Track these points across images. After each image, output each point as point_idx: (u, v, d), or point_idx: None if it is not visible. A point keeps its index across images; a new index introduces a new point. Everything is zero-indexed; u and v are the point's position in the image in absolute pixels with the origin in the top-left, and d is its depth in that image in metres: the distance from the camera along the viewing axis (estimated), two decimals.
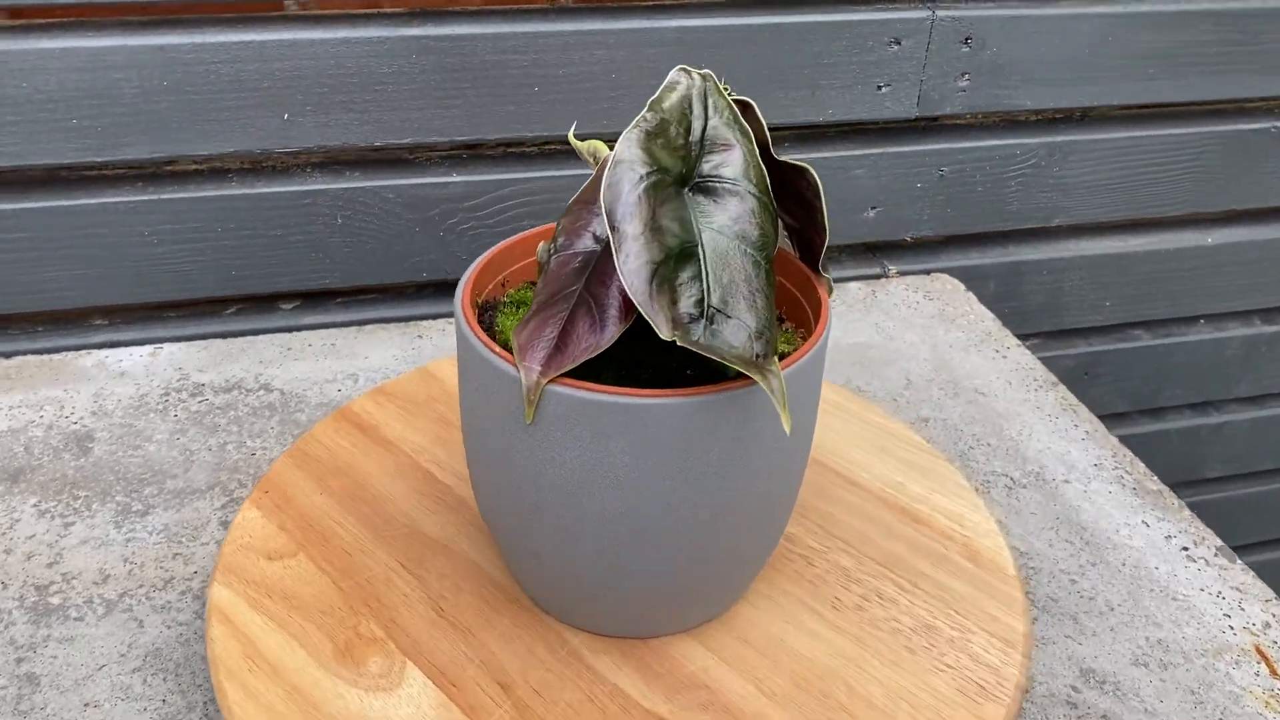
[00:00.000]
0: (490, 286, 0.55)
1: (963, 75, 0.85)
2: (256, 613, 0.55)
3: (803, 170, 0.50)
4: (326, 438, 0.66)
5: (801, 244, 0.54)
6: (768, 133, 0.50)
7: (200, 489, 0.67)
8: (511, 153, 0.80)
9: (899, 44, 0.82)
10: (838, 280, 0.91)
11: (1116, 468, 0.73)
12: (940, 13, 0.82)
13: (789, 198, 0.52)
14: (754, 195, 0.48)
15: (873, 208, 0.89)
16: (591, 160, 0.54)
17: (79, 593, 0.59)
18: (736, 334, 0.45)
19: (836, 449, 0.67)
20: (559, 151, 0.81)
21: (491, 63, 0.76)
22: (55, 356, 0.77)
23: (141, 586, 0.59)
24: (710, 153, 0.48)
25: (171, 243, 0.76)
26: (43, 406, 0.73)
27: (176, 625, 0.57)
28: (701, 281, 0.46)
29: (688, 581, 0.51)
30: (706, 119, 0.48)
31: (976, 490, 0.69)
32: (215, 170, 0.76)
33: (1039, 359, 0.98)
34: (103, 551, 0.62)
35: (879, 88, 0.84)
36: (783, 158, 0.50)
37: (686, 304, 0.45)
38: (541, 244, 0.50)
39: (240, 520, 0.60)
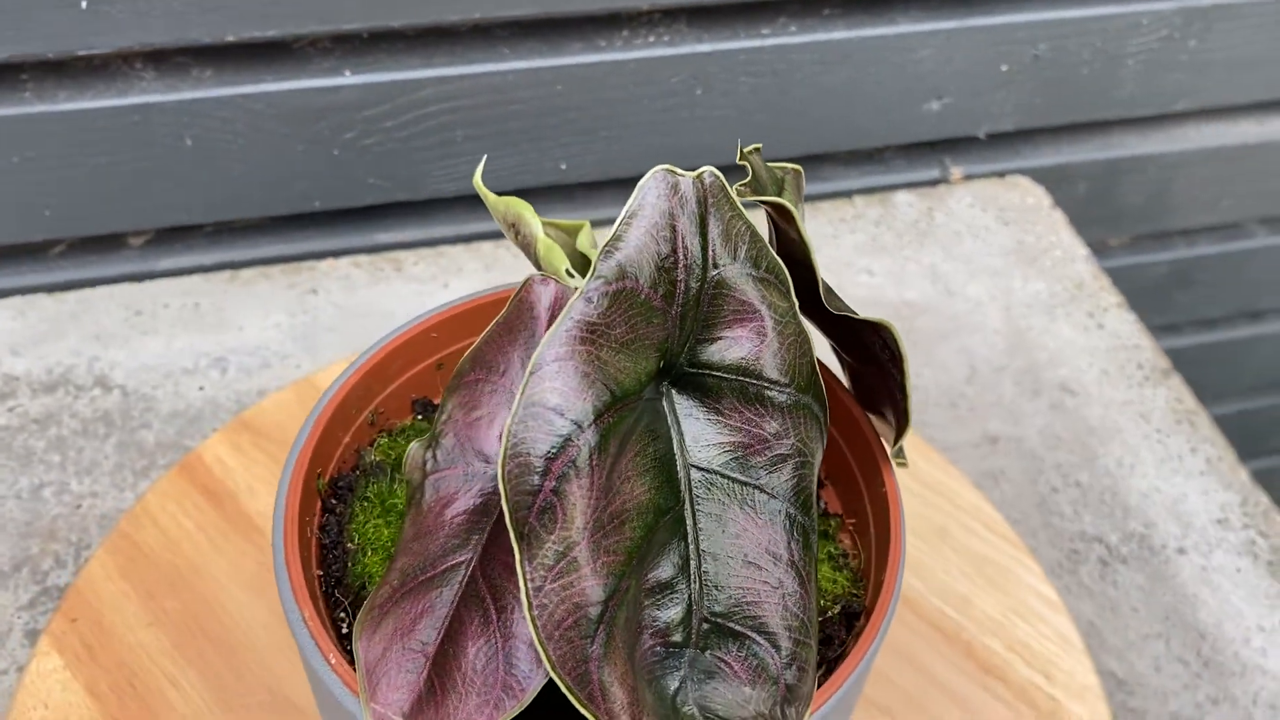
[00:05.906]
0: (353, 430, 0.34)
1: None
2: None
3: (877, 328, 0.28)
4: (164, 512, 0.47)
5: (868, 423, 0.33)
6: (812, 250, 0.28)
7: (3, 569, 0.49)
8: (426, 38, 0.56)
9: None
10: (883, 189, 0.69)
11: (1247, 525, 0.54)
12: None
13: (852, 351, 0.31)
14: (794, 400, 0.27)
15: (939, 98, 0.65)
16: (513, 235, 0.32)
17: None
18: (754, 672, 0.26)
19: None
20: (497, 33, 0.56)
21: None
22: None
23: None
24: (712, 324, 0.27)
25: None
26: None
27: None
28: (687, 577, 0.26)
29: None
30: (706, 264, 0.26)
31: (1061, 567, 0.50)
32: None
33: (1131, 262, 0.77)
34: None
35: None
36: (846, 311, 0.28)
37: (657, 631, 0.25)
38: (414, 445, 0.29)
39: (33, 674, 0.42)
